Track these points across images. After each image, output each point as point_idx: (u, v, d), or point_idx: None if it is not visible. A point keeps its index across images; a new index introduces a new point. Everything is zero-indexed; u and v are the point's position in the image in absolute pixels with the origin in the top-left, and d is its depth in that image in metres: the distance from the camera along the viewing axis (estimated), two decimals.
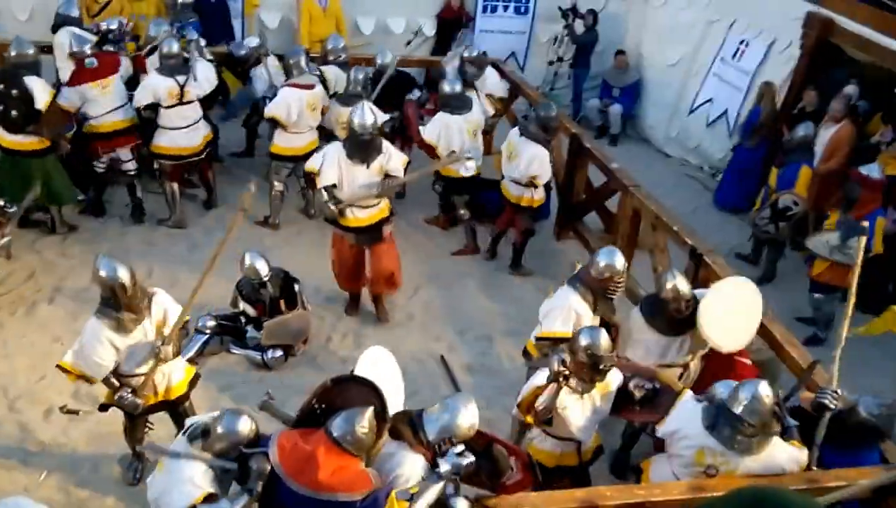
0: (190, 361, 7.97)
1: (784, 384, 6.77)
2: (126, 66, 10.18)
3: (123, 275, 6.27)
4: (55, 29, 10.62)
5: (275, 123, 10.17)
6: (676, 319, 6.77)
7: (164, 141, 10.08)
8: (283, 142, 10.29)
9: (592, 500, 5.42)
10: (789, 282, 10.20)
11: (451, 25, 14.11)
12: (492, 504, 5.32)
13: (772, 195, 10.15)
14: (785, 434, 5.62)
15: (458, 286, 9.92)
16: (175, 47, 9.90)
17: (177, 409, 6.84)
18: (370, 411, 5.07)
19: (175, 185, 10.43)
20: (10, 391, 7.80)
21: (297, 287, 8.51)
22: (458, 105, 10.08)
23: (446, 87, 10.18)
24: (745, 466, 5.54)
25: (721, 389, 5.92)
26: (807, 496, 3.93)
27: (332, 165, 8.32)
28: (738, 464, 5.54)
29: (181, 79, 9.83)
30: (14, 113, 9.21)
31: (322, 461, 4.93)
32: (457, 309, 9.54)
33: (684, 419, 5.77)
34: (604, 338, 5.96)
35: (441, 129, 9.97)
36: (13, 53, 9.45)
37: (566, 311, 6.84)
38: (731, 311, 6.71)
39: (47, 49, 10.71)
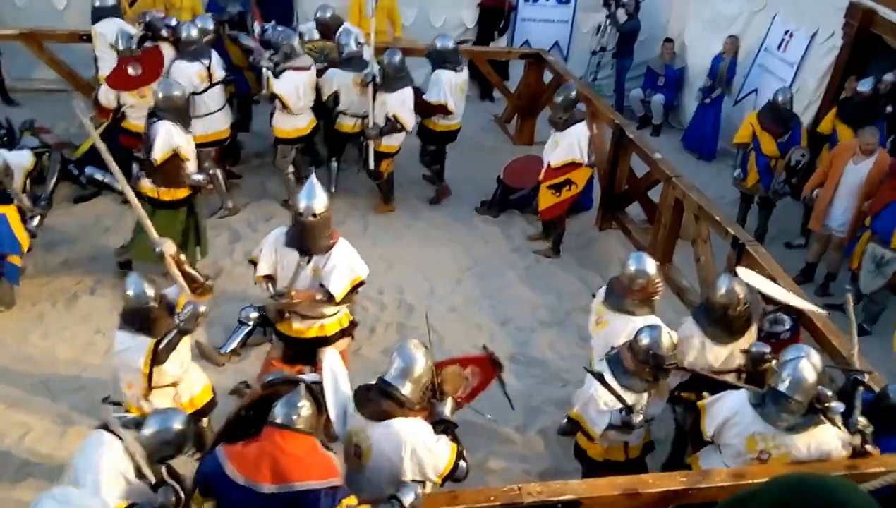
0: (233, 352, 8.05)
1: None
2: (169, 55, 10.07)
3: (151, 295, 6.26)
4: (95, 20, 10.56)
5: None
6: (732, 325, 6.56)
7: (202, 128, 9.90)
8: (286, 125, 10.28)
9: (634, 487, 5.41)
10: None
11: (494, 15, 14.05)
12: (534, 491, 5.29)
13: (773, 161, 10.54)
14: (829, 414, 5.55)
15: (499, 277, 9.86)
16: (194, 33, 9.92)
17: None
18: (300, 387, 5.01)
19: (220, 172, 10.52)
20: (51, 383, 7.80)
21: None
22: (456, 61, 10.49)
23: (439, 43, 10.51)
24: (797, 448, 5.48)
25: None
26: (849, 482, 3.84)
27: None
28: (790, 447, 5.48)
29: (206, 61, 9.92)
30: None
31: (284, 448, 4.77)
32: (498, 299, 9.47)
33: (732, 406, 5.72)
34: (665, 337, 5.94)
35: (445, 87, 10.30)
36: (160, 95, 8.69)
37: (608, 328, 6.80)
38: None
39: (86, 38, 10.87)
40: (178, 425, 5.12)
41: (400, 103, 9.99)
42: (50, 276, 9.13)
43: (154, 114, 8.62)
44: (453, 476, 5.17)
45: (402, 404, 5.12)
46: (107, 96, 9.94)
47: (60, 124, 11.54)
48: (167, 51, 10.08)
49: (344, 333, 7.22)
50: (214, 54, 10.11)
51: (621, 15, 14.13)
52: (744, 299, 6.47)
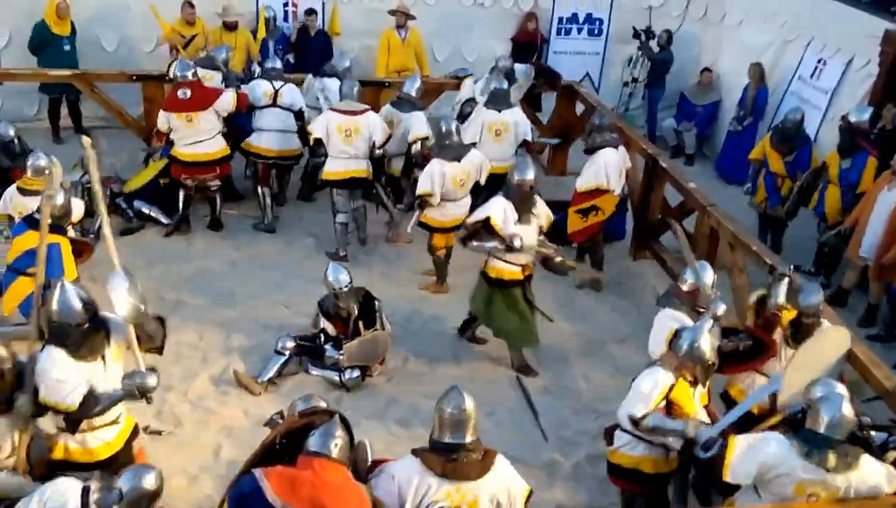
0: (269, 381, 8.21)
1: None
2: (228, 100, 10.49)
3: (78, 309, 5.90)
4: None
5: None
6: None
7: (258, 141, 10.72)
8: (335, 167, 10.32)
9: None
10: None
11: (526, 48, 14.21)
12: None
13: (780, 180, 10.85)
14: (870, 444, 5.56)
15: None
16: (279, 64, 11.22)
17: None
18: (336, 418, 5.12)
19: (266, 189, 10.90)
20: None
21: (376, 305, 8.59)
22: (504, 102, 10.76)
23: (504, 84, 10.85)
24: (845, 487, 5.42)
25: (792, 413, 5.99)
26: None
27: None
28: (839, 486, 5.41)
29: (277, 84, 10.62)
30: None
31: (322, 476, 4.84)
32: None
33: (775, 454, 5.55)
34: (705, 336, 6.05)
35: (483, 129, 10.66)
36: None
37: (666, 334, 6.77)
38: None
39: (135, 78, 11.79)
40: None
41: (423, 174, 9.60)
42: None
43: None
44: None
45: (476, 451, 5.17)
46: (160, 119, 10.45)
47: (108, 160, 11.78)
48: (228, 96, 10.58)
49: None
50: (291, 86, 10.83)
51: (653, 46, 14.25)
52: None
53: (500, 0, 14.52)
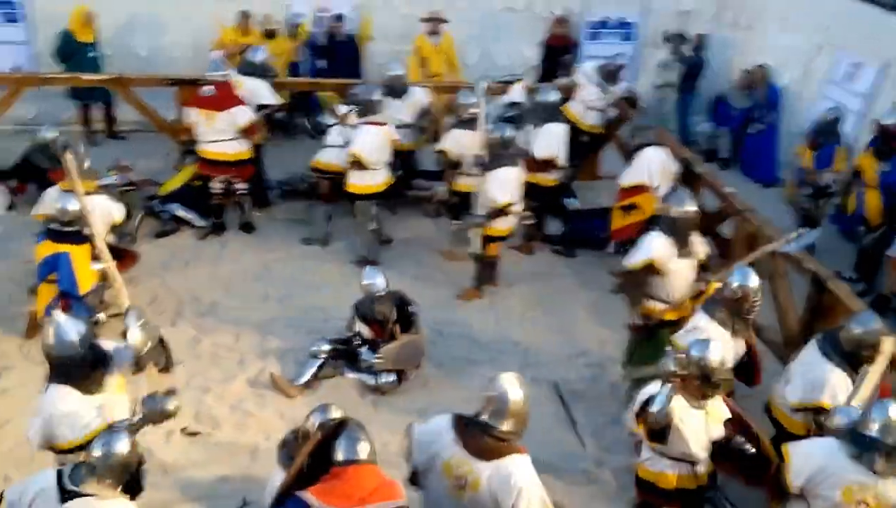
0: (305, 384, 8.24)
1: None
2: (243, 117, 10.51)
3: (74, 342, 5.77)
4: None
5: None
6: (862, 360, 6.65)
7: (326, 157, 10.73)
8: (360, 180, 10.29)
9: None
10: None
11: (557, 52, 14.20)
12: None
13: (808, 176, 10.86)
14: None
15: (567, 312, 9.92)
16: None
17: None
18: (352, 423, 5.19)
19: (329, 206, 10.93)
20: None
21: (412, 309, 8.61)
22: (558, 114, 10.69)
23: (551, 97, 10.77)
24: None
25: (839, 417, 5.89)
26: None
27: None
28: (890, 494, 5.38)
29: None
30: None
31: (358, 480, 4.92)
32: (567, 335, 9.53)
33: (824, 455, 5.59)
34: (715, 352, 5.97)
35: (555, 140, 10.36)
36: None
37: (698, 334, 6.84)
38: None
39: (170, 82, 11.77)
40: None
41: (493, 185, 9.50)
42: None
43: None
44: None
45: (505, 441, 5.20)
46: (185, 115, 10.73)
47: (143, 163, 11.85)
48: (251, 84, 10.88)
49: None
50: None
51: (685, 50, 14.23)
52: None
53: (531, 5, 14.57)
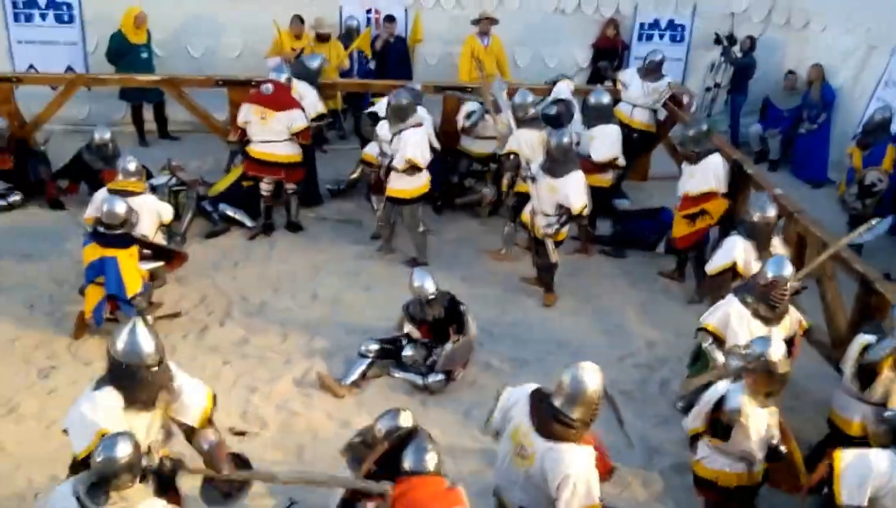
0: (353, 384, 8.25)
1: None
2: (298, 120, 10.65)
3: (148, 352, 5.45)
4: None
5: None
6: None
7: (375, 151, 10.71)
8: (406, 185, 10.25)
9: None
10: None
11: (608, 54, 14.17)
12: None
13: (857, 175, 10.72)
14: None
15: (616, 313, 9.87)
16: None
17: None
18: (421, 432, 5.20)
19: (376, 197, 10.90)
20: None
21: (462, 309, 8.58)
22: (611, 115, 10.62)
23: (593, 99, 10.86)
24: None
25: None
26: None
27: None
28: None
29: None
30: None
31: (424, 491, 4.97)
32: (615, 335, 9.47)
33: (884, 470, 5.48)
34: (776, 348, 5.97)
35: (613, 141, 10.36)
36: None
37: (722, 311, 7.14)
38: None
39: (221, 83, 11.95)
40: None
41: (572, 189, 9.45)
42: (182, 309, 9.44)
43: None
44: None
45: (572, 427, 5.18)
46: (240, 113, 10.76)
47: (194, 163, 12.03)
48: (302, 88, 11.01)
49: None
50: None
51: (736, 52, 14.13)
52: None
53: (581, 7, 14.52)
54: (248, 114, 10.61)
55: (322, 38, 13.30)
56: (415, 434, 5.23)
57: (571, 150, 9.59)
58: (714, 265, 8.37)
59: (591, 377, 5.26)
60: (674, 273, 10.51)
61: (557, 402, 5.22)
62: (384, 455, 5.24)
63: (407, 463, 5.03)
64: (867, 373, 6.78)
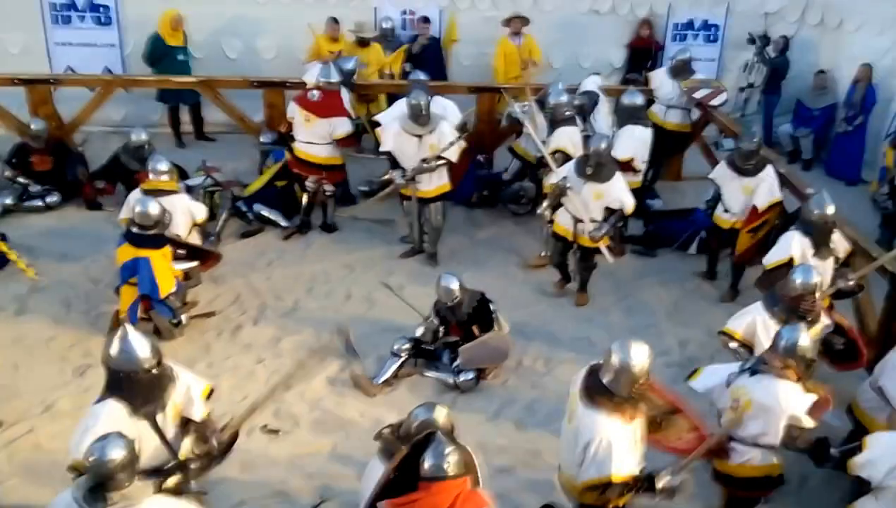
0: (384, 383, 8.30)
1: None
2: (342, 128, 10.72)
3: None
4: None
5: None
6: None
7: None
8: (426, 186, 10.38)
9: None
10: None
11: (642, 54, 14.15)
12: None
13: (889, 173, 10.76)
14: None
15: (648, 312, 9.88)
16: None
17: None
18: (439, 437, 5.11)
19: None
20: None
21: (492, 306, 8.59)
22: (644, 116, 10.66)
23: (626, 99, 10.82)
24: None
25: None
26: None
27: None
28: None
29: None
30: None
31: (444, 497, 4.93)
32: (647, 335, 9.34)
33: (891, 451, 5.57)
34: (804, 334, 6.10)
35: (636, 143, 10.36)
36: None
37: (750, 319, 7.21)
38: None
39: (256, 84, 12.18)
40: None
41: (621, 191, 9.47)
42: (216, 308, 9.54)
43: None
44: None
45: (611, 399, 5.45)
46: (289, 110, 10.96)
47: (229, 164, 12.11)
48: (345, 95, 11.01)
49: None
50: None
51: (770, 52, 14.07)
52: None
53: (616, 7, 14.50)
54: (295, 112, 10.76)
55: (362, 43, 13.22)
56: (432, 437, 5.17)
57: (610, 154, 9.56)
58: (771, 260, 8.35)
59: (637, 353, 5.46)
60: (706, 273, 10.48)
61: (603, 375, 5.48)
62: (405, 460, 5.24)
63: (426, 469, 5.00)
64: None
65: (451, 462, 4.98)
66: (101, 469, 4.58)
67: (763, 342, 6.95)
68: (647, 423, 5.77)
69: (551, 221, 9.78)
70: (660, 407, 6.09)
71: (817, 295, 7.05)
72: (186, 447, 5.80)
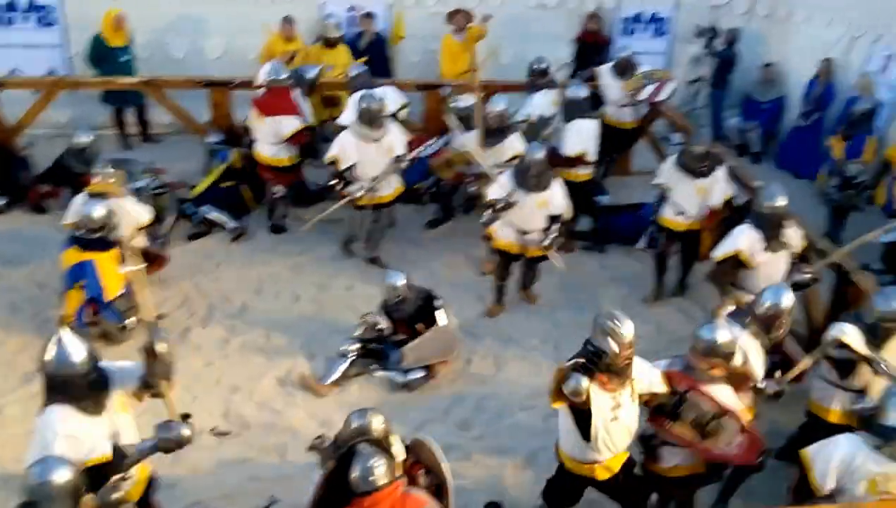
0: (334, 383, 8.27)
1: None
2: (286, 127, 10.60)
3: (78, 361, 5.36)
4: None
5: None
6: None
7: None
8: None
9: None
10: None
11: (591, 48, 14.14)
12: None
13: (837, 166, 11.02)
14: None
15: (597, 308, 9.67)
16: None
17: None
18: (362, 449, 5.15)
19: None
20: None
21: (437, 303, 8.60)
22: (589, 108, 10.60)
23: (581, 93, 10.68)
24: None
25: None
26: None
27: None
28: None
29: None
30: None
31: (380, 505, 4.95)
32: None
33: (848, 452, 5.56)
34: (721, 332, 6.11)
35: (585, 136, 10.33)
36: None
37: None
38: None
39: (237, 84, 12.00)
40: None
41: (561, 196, 9.32)
42: (164, 310, 9.43)
43: None
44: None
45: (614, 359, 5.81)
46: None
47: (177, 166, 11.98)
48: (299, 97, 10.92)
49: None
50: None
51: (718, 44, 14.15)
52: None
53: (563, 1, 14.48)
54: (249, 115, 10.77)
55: (330, 44, 13.00)
56: (354, 452, 5.17)
57: (546, 161, 9.30)
58: (719, 252, 8.26)
59: (624, 318, 5.90)
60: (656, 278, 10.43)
61: (597, 344, 5.86)
62: (333, 475, 5.24)
63: (355, 484, 4.99)
64: (845, 362, 6.79)
65: (378, 473, 4.98)
66: (41, 492, 4.53)
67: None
68: (694, 431, 5.90)
69: (489, 236, 9.60)
70: (706, 413, 5.99)
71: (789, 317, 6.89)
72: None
